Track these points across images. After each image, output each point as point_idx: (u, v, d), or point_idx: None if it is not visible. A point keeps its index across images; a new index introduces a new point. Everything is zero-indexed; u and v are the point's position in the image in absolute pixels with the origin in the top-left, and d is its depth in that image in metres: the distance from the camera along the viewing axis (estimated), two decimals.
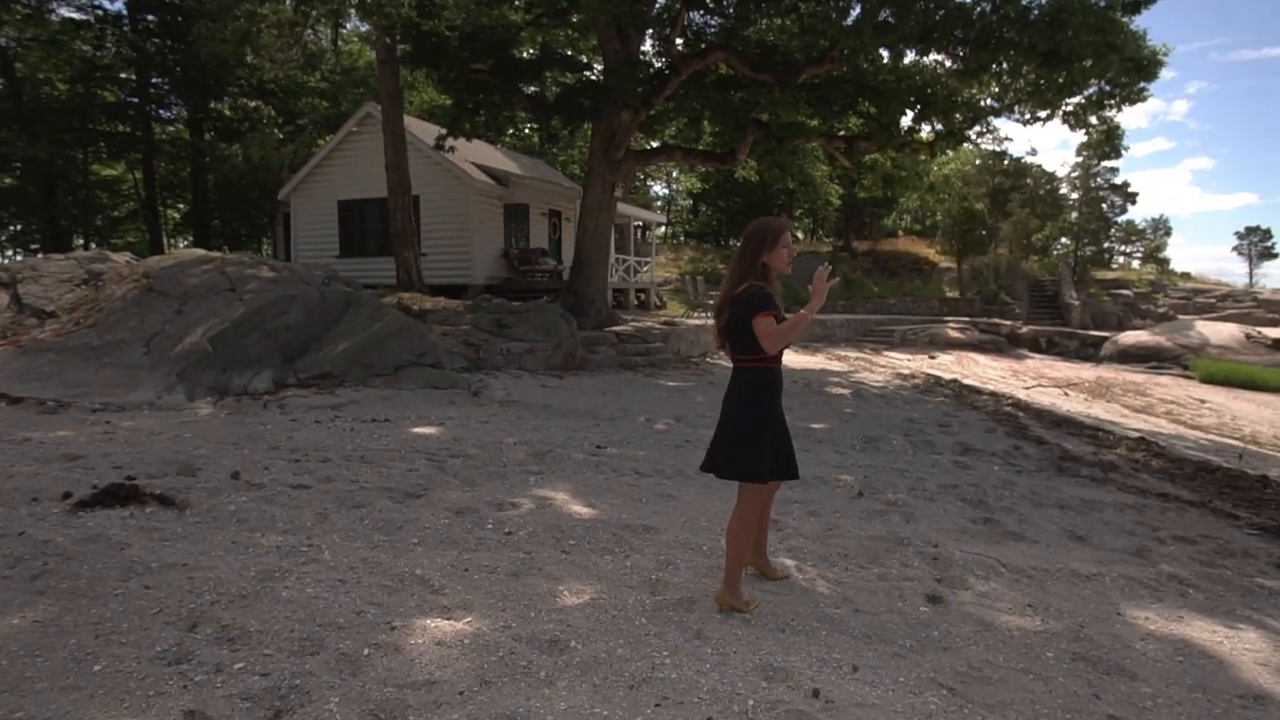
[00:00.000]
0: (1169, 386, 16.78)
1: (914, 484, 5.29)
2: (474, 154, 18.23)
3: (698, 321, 15.13)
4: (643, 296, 20.57)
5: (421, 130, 17.67)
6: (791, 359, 15.15)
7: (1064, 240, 30.38)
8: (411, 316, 9.11)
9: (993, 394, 11.21)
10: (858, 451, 6.43)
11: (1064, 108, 10.65)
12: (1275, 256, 33.02)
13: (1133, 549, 4.20)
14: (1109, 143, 10.96)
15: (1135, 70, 8.98)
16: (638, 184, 33.80)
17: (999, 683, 2.57)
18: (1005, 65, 9.48)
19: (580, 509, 4.07)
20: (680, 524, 3.99)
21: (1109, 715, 2.43)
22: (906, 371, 14.12)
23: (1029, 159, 26.23)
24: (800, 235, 35.80)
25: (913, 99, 10.67)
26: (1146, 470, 6.56)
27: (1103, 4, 8.15)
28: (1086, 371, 19.11)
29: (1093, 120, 10.96)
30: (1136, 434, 8.65)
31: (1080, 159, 26.54)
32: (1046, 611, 3.21)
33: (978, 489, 5.25)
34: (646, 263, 22.19)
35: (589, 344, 10.90)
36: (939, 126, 11.22)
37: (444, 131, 13.95)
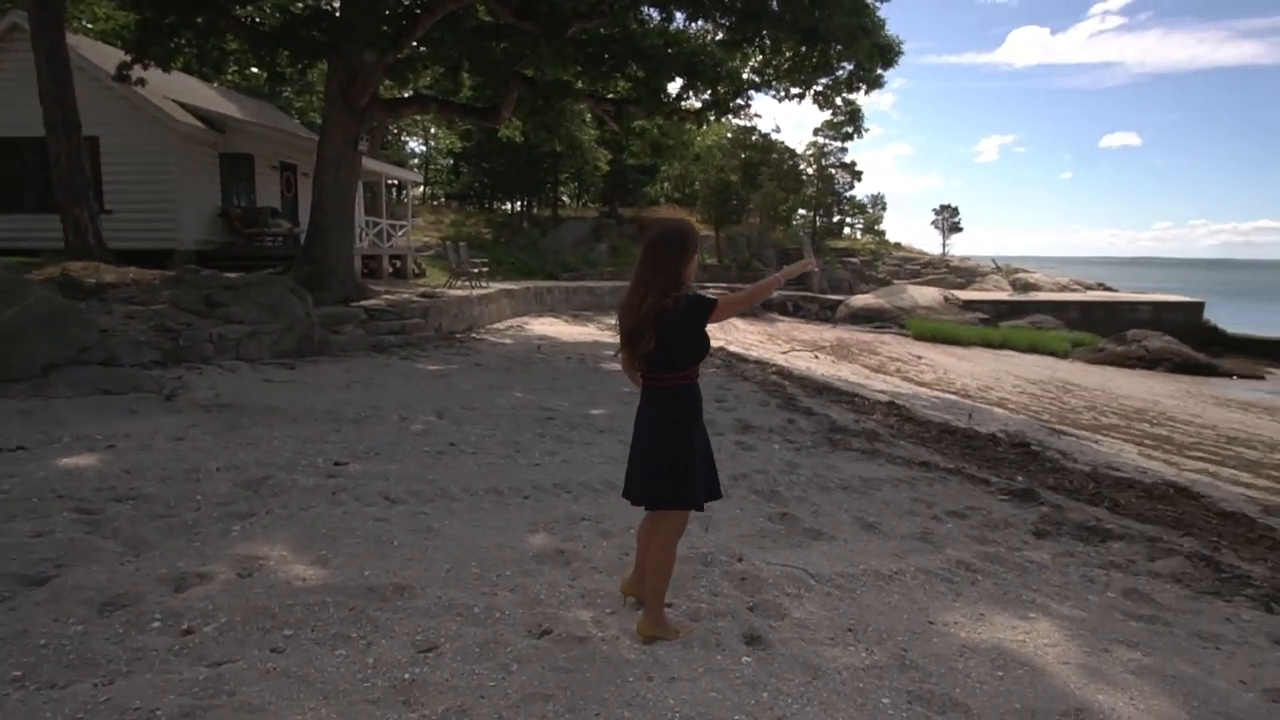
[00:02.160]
0: (892, 345, 18.96)
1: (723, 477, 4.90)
2: (180, 91, 15.05)
3: (461, 292, 13.94)
4: (398, 264, 18.70)
5: (101, 56, 14.13)
6: (561, 330, 14.61)
7: (803, 212, 33.33)
8: (77, 295, 6.98)
9: (758, 361, 11.59)
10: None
11: (816, 87, 11.08)
12: (961, 230, 39.50)
13: (918, 533, 4.15)
14: (852, 123, 11.70)
15: (881, 55, 9.54)
16: (390, 138, 30.90)
17: None
18: (769, 39, 9.55)
19: (305, 570, 3.04)
20: (443, 574, 3.14)
21: None
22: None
23: (775, 136, 28.18)
24: (567, 200, 35.34)
25: (681, 66, 10.42)
26: (903, 436, 6.92)
27: None
28: (828, 333, 21.03)
29: (839, 101, 11.57)
30: (885, 397, 9.32)
31: (818, 138, 29.02)
32: (866, 634, 2.89)
33: (767, 476, 5.01)
34: (402, 226, 20.21)
35: (330, 323, 9.34)
36: (706, 96, 11.14)
37: (128, 58, 11.13)
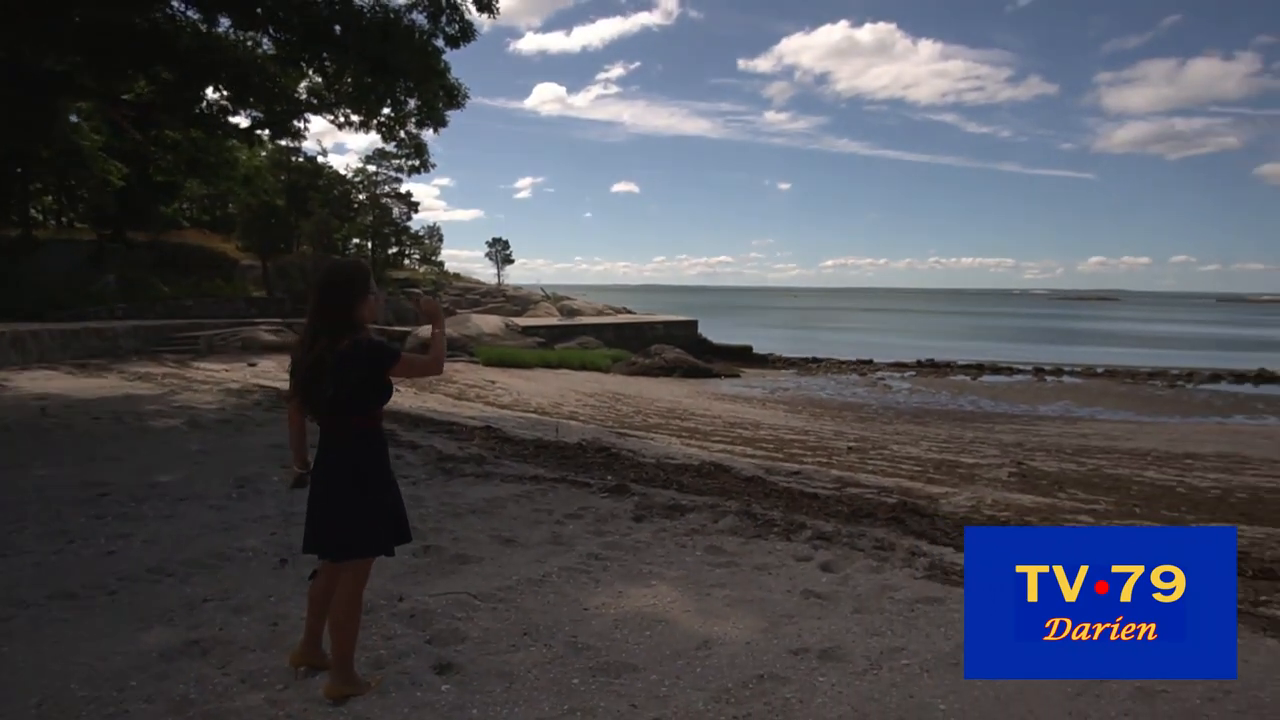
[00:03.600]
0: (466, 372, 19.74)
1: None
2: None
3: None
4: None
5: None
6: (69, 384, 11.64)
7: (356, 241, 32.28)
8: None
9: None
10: (240, 502, 5.30)
11: (379, 117, 11.05)
12: (513, 261, 43.01)
13: (549, 538, 4.64)
14: (417, 156, 11.96)
15: (449, 96, 10.00)
16: None
17: None
18: (331, 63, 9.19)
19: None
20: (35, 711, 2.47)
21: (653, 718, 2.56)
22: (236, 386, 12.56)
23: (321, 159, 26.70)
24: (40, 217, 27.79)
25: (227, 76, 9.31)
26: (505, 456, 7.45)
27: (427, 29, 8.73)
28: None
29: (404, 134, 11.74)
30: (477, 422, 9.79)
31: (370, 166, 28.45)
32: (539, 633, 3.22)
33: None
34: None
35: None
36: (257, 114, 10.15)
37: None
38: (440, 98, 9.97)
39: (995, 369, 28.22)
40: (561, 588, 3.78)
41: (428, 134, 11.04)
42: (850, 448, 10.40)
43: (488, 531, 4.72)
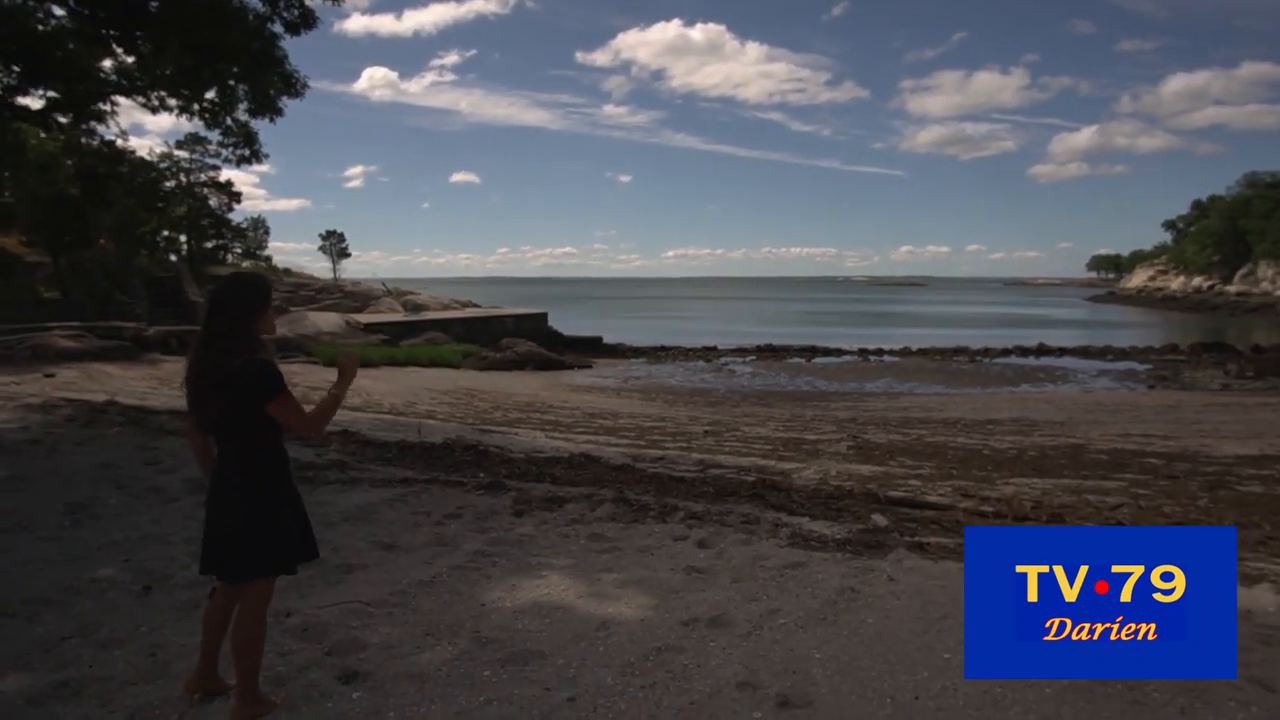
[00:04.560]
0: (306, 374, 18.54)
1: (193, 548, 4.33)
2: None
3: None
4: None
5: None
6: None
7: (167, 233, 29.12)
8: None
9: (171, 412, 10.01)
10: (77, 530, 4.79)
11: (202, 103, 10.12)
12: (350, 255, 40.48)
13: (433, 539, 4.64)
14: (248, 145, 11.04)
15: (287, 84, 9.32)
16: None
17: None
18: (146, 42, 8.24)
19: None
20: None
21: (567, 698, 2.72)
22: (37, 400, 11.05)
23: (122, 143, 23.58)
24: None
25: (14, 51, 8.11)
26: (369, 460, 7.21)
27: (263, 13, 8.06)
28: None
29: (230, 121, 10.81)
30: (330, 426, 9.34)
31: (181, 153, 25.73)
32: (441, 632, 3.27)
33: None
34: None
35: None
36: (54, 94, 8.93)
37: None
38: (275, 84, 9.26)
39: (826, 351, 30.67)
40: (455, 586, 3.83)
41: (261, 123, 10.24)
42: (706, 431, 11.00)
43: (367, 538, 4.63)
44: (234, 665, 2.57)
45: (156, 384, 15.32)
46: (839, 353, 30.29)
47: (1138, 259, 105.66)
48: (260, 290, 2.59)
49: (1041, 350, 30.19)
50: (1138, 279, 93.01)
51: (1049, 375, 24.04)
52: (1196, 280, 76.06)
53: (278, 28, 8.57)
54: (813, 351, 30.31)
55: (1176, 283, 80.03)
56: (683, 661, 3.03)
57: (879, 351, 30.55)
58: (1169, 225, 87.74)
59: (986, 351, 30.03)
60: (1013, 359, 28.58)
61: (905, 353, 30.40)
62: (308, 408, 2.64)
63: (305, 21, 8.69)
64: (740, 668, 2.97)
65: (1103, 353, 29.73)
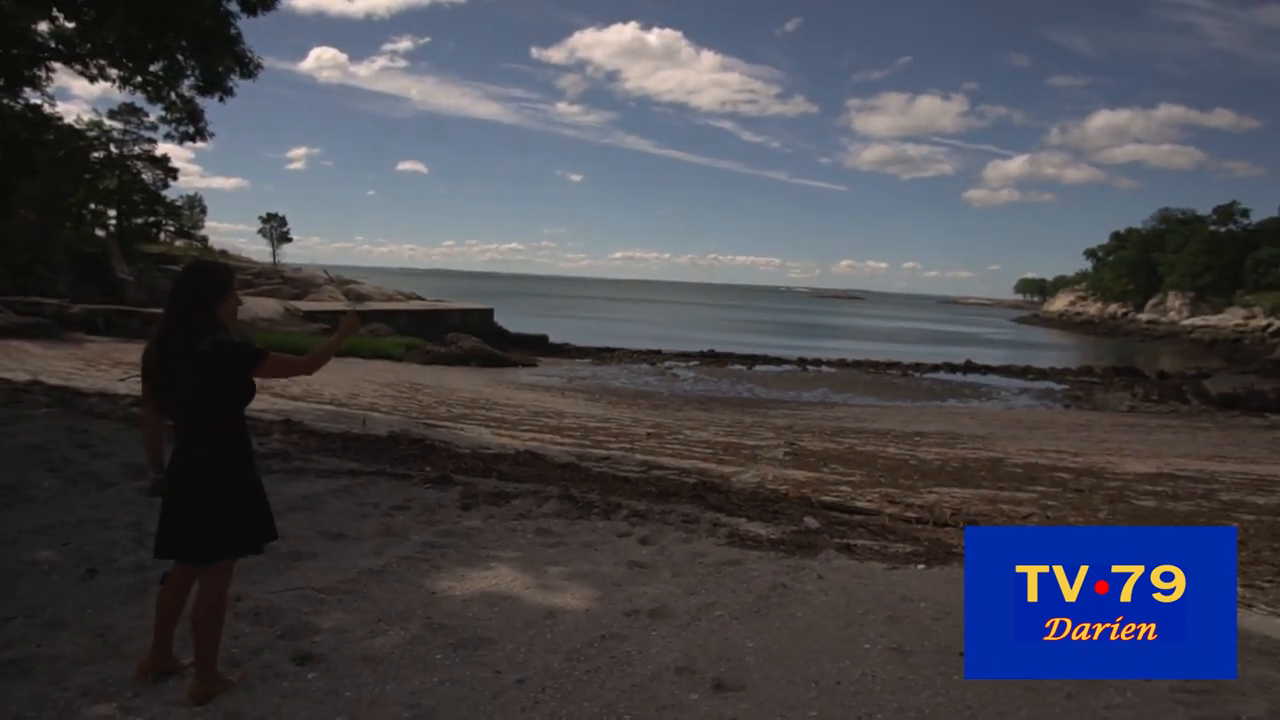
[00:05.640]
0: None
1: (137, 533, 4.31)
2: None
3: None
4: None
5: None
6: None
7: (95, 206, 27.76)
8: None
9: (102, 394, 9.68)
10: (6, 511, 4.67)
11: (146, 75, 9.80)
12: (291, 240, 39.24)
13: (380, 530, 4.71)
14: (192, 123, 10.70)
15: (240, 66, 9.11)
16: None
17: (438, 710, 2.65)
18: (90, 8, 7.94)
19: None
20: None
21: (516, 680, 2.88)
22: None
23: (49, 109, 22.38)
24: None
25: None
26: (312, 451, 7.16)
27: None
28: None
29: (174, 96, 10.50)
30: (271, 415, 9.19)
31: (114, 123, 24.59)
32: (393, 619, 3.38)
33: None
34: None
35: None
36: None
37: None
38: (226, 62, 9.02)
39: (766, 360, 31.37)
40: (405, 575, 3.93)
41: (209, 101, 9.96)
42: (649, 433, 11.24)
43: (314, 528, 4.66)
44: (194, 644, 2.64)
45: (82, 364, 14.70)
46: (779, 361, 31.04)
47: (1061, 284, 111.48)
48: (222, 277, 2.69)
49: (969, 367, 31.58)
50: (1060, 303, 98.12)
51: (974, 391, 25.22)
52: (1112, 307, 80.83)
53: (233, 6, 8.41)
54: (753, 359, 30.96)
55: (1094, 308, 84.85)
56: (625, 648, 3.22)
57: (817, 362, 31.44)
58: (1090, 254, 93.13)
59: (918, 367, 31.25)
60: (942, 374, 29.83)
61: (842, 364, 31.36)
62: None
63: (263, 1, 8.53)
64: (679, 655, 3.18)
65: (1024, 372, 31.31)
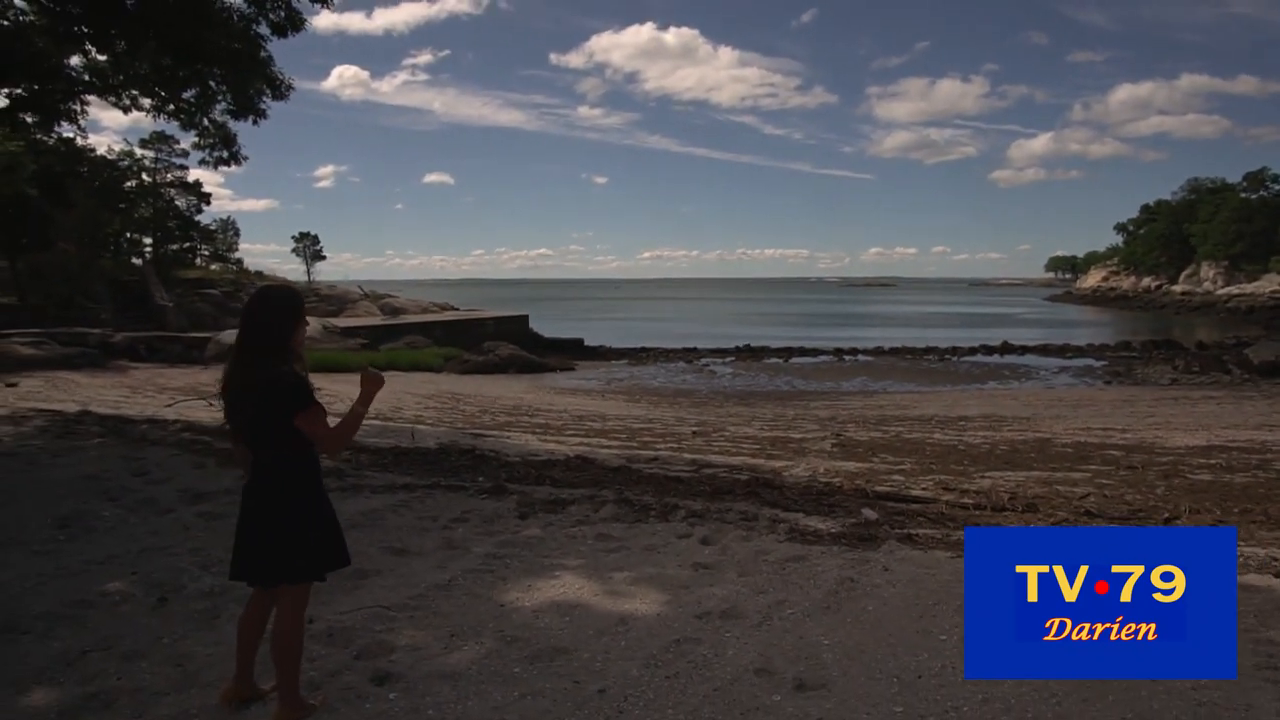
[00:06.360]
0: None
1: (201, 559, 4.36)
2: None
3: None
4: None
5: None
6: None
7: (131, 235, 28.48)
8: None
9: (151, 421, 9.88)
10: (71, 543, 4.76)
11: (178, 103, 9.97)
12: (325, 258, 39.83)
13: (443, 544, 4.71)
14: (226, 148, 10.88)
15: (272, 88, 9.24)
16: None
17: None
18: (121, 39, 8.06)
19: None
20: None
21: (598, 690, 2.85)
22: (3, 411, 10.83)
23: (82, 141, 22.99)
24: None
25: None
26: (366, 467, 7.22)
27: (248, 14, 7.96)
28: (204, 375, 18.85)
29: (207, 122, 10.68)
30: None
31: (144, 151, 25.19)
32: (466, 634, 3.37)
33: None
34: None
35: None
36: (19, 92, 8.70)
37: None
38: (255, 84, 9.14)
39: (802, 351, 31.07)
40: (472, 589, 3.92)
41: (242, 124, 10.10)
42: (694, 432, 11.16)
43: (376, 544, 4.68)
44: (275, 670, 2.64)
45: (129, 392, 15.06)
46: (815, 353, 30.73)
47: (1092, 260, 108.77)
48: (297, 305, 2.66)
49: (1006, 349, 30.94)
50: (1092, 279, 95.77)
51: (1013, 372, 24.69)
52: (1146, 280, 78.64)
53: (264, 29, 8.51)
54: (790, 352, 30.70)
55: (1127, 283, 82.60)
56: (702, 652, 3.16)
57: (853, 351, 31.06)
58: (1120, 228, 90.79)
59: (955, 350, 30.70)
60: (979, 357, 29.27)
61: (878, 352, 30.94)
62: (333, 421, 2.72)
63: (292, 24, 8.61)
64: (756, 655, 3.12)
65: (1062, 350, 30.58)
